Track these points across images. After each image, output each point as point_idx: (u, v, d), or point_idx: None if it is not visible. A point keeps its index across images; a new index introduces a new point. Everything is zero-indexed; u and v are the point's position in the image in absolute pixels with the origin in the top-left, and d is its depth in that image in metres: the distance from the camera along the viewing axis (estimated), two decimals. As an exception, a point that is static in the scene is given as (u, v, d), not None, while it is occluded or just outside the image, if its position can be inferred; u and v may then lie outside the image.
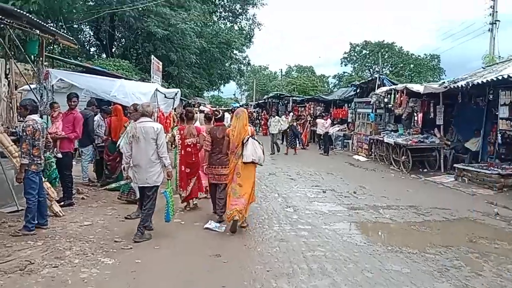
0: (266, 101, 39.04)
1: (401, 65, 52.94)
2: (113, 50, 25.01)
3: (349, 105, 19.57)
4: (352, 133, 18.17)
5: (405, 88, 12.51)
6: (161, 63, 15.46)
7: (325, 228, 6.36)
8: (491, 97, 10.26)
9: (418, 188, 9.99)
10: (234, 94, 74.94)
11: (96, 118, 9.13)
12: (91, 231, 5.83)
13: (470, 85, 10.06)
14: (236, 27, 31.35)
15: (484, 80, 9.57)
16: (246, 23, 32.65)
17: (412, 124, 13.65)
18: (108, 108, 9.00)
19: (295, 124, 18.67)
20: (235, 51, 30.87)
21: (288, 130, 17.93)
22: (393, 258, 5.13)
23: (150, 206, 5.48)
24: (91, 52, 26.35)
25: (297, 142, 18.26)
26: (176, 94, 10.63)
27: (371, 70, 58.53)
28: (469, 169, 10.29)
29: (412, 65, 53.78)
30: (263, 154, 6.08)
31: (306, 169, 12.83)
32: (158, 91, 9.24)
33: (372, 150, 15.23)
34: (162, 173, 5.51)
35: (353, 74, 57.93)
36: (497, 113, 9.93)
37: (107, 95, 8.56)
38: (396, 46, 55.01)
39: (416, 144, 11.80)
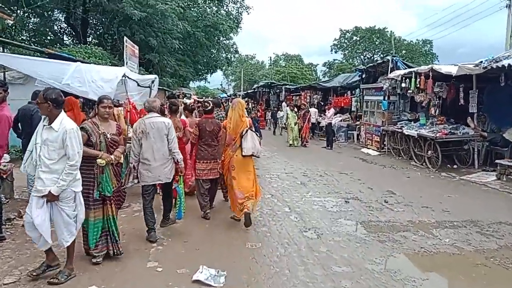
0: (256, 90, 36.92)
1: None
2: (88, 38, 22.57)
3: (353, 92, 17.52)
4: (358, 123, 16.13)
5: (430, 70, 10.42)
6: (136, 47, 13.13)
7: (373, 270, 4.30)
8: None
9: (458, 192, 8.03)
10: (221, 85, 72.39)
11: (46, 113, 6.92)
12: (11, 296, 3.69)
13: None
14: (222, 12, 28.84)
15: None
16: (234, 7, 30.20)
17: (429, 112, 11.68)
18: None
19: (258, 115, 16.38)
20: (222, 38, 28.53)
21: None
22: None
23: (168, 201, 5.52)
24: (65, 41, 23.80)
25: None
26: (153, 81, 8.41)
27: (362, 57, 56.80)
28: (518, 166, 8.38)
29: (404, 51, 52.29)
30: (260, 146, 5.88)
31: (313, 168, 10.79)
32: (127, 77, 7.01)
33: (385, 142, 13.25)
34: (173, 169, 5.25)
35: (344, 61, 56.13)
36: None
37: (58, 83, 6.40)
38: (388, 31, 53.50)
39: (447, 137, 9.79)
